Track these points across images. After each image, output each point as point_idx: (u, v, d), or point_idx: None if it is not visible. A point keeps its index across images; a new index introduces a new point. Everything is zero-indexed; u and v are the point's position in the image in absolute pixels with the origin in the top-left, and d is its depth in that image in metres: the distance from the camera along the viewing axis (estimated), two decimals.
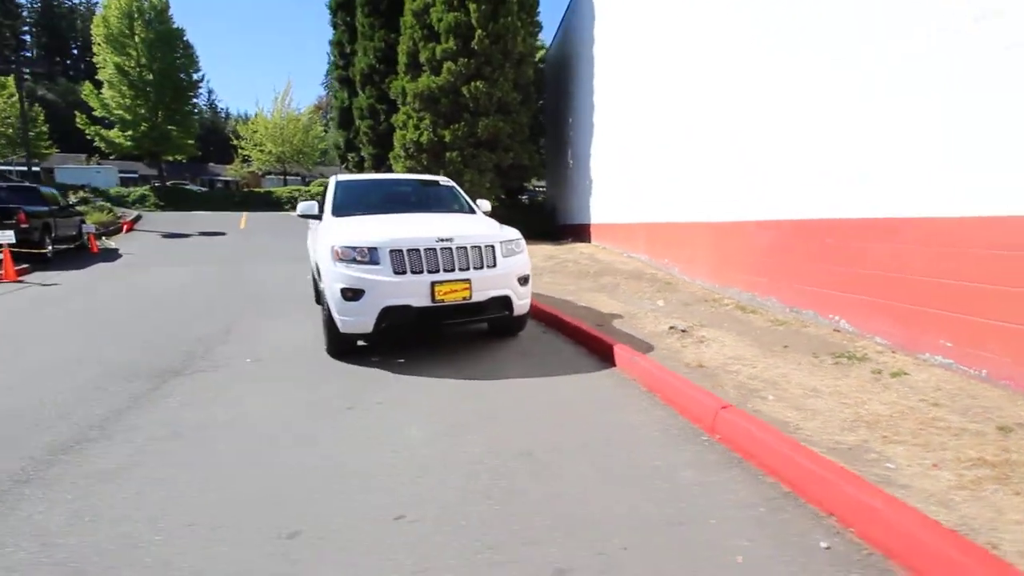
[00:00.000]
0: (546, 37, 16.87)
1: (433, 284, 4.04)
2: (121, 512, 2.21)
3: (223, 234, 16.52)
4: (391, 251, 4.05)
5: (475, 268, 4.24)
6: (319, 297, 6.70)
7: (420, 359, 4.35)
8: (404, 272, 4.04)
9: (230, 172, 42.84)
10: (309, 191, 35.38)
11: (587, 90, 11.69)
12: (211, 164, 47.75)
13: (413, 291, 4.03)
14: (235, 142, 37.03)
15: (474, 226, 4.57)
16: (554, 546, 1.94)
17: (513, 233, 4.62)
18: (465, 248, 4.22)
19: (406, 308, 4.03)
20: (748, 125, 5.69)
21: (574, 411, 3.26)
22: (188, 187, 34.03)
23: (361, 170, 17.44)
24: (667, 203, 7.53)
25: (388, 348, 4.59)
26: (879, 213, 3.91)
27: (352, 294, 4.03)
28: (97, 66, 26.14)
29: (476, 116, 12.34)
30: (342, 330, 4.15)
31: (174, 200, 27.06)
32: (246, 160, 39.74)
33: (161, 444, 2.87)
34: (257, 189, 35.32)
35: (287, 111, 38.06)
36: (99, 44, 25.52)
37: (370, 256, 4.07)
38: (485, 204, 5.79)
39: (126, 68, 25.43)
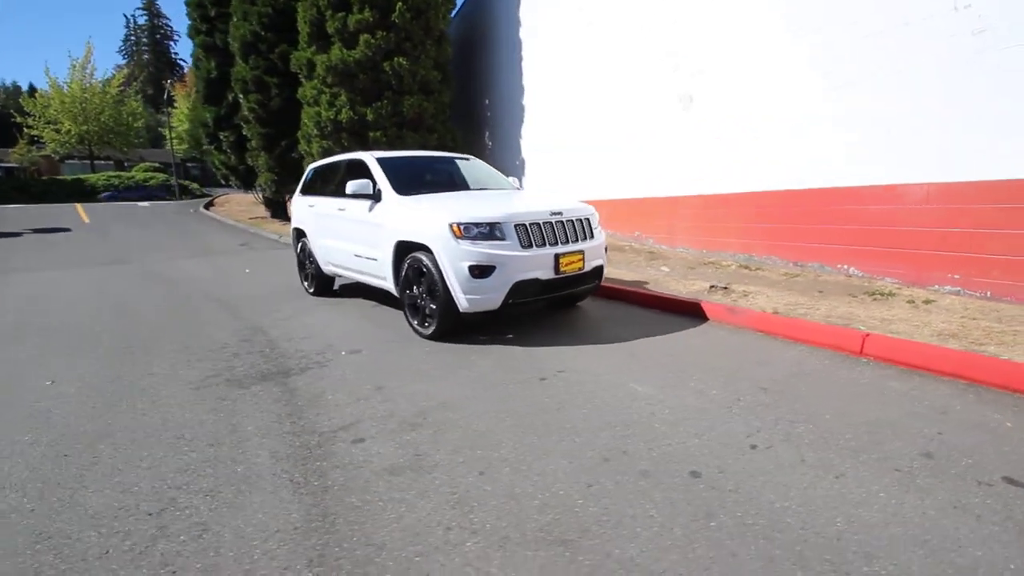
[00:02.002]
0: None
1: (557, 256, 4.15)
2: (496, 489, 2.12)
3: (66, 230, 13.55)
4: (516, 225, 4.05)
5: (582, 239, 4.43)
6: (324, 287, 6.17)
7: (525, 334, 4.40)
8: (530, 245, 4.08)
9: (14, 157, 34.20)
10: (133, 177, 30.30)
11: (514, 72, 11.96)
12: None
13: (540, 264, 4.09)
14: (20, 120, 29.75)
15: (566, 200, 4.71)
16: (899, 440, 2.40)
17: (592, 207, 4.86)
18: (573, 220, 4.39)
19: (534, 281, 4.09)
20: (738, 107, 6.60)
21: (735, 356, 3.72)
22: None
23: (242, 152, 15.51)
24: (637, 181, 8.27)
25: (482, 327, 4.54)
26: (883, 181, 5.00)
27: (480, 271, 3.95)
28: None
29: (400, 94, 11.85)
30: (467, 309, 4.04)
31: None
32: (36, 142, 32.28)
33: (403, 436, 2.65)
34: (61, 177, 28.97)
35: (89, 82, 31.70)
36: None
37: (493, 231, 4.02)
38: (515, 180, 5.90)
39: None
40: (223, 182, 17.85)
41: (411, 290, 4.48)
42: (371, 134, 11.84)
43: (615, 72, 8.58)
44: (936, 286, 4.69)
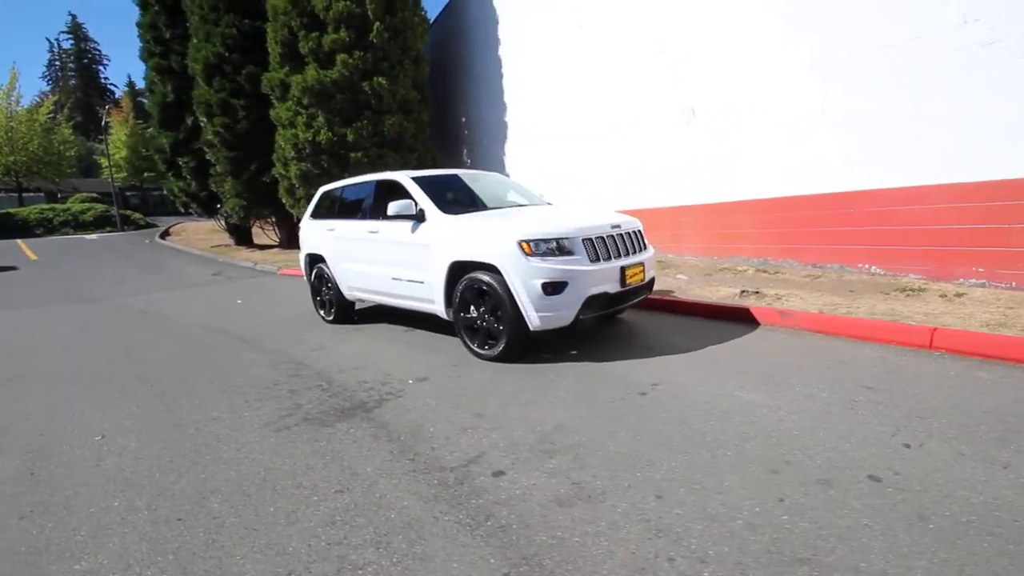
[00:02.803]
0: None
1: (623, 269, 4.13)
2: (689, 513, 2.04)
3: (13, 268, 12.39)
4: (583, 240, 4.01)
5: (640, 251, 4.44)
6: (344, 313, 5.88)
7: (588, 350, 4.33)
8: (598, 260, 4.04)
9: None
10: (69, 209, 28.41)
11: (495, 90, 12.00)
12: None
13: (608, 277, 4.06)
14: None
15: (615, 213, 4.71)
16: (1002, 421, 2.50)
17: (638, 220, 4.88)
18: (630, 233, 4.40)
19: (603, 295, 4.05)
20: (743, 120, 6.86)
21: (810, 357, 3.78)
22: None
23: (204, 178, 14.77)
24: (637, 193, 8.41)
25: (544, 345, 4.44)
26: (904, 183, 5.29)
27: (553, 288, 3.88)
28: None
29: (380, 114, 11.64)
30: (538, 327, 3.95)
31: None
32: None
33: (545, 465, 2.53)
34: None
35: (15, 110, 29.61)
36: None
37: (562, 247, 3.96)
38: (542, 195, 5.87)
39: None
40: (182, 210, 16.89)
41: (467, 312, 4.34)
42: (352, 155, 11.56)
43: (613, 85, 8.73)
44: (961, 280, 4.98)
